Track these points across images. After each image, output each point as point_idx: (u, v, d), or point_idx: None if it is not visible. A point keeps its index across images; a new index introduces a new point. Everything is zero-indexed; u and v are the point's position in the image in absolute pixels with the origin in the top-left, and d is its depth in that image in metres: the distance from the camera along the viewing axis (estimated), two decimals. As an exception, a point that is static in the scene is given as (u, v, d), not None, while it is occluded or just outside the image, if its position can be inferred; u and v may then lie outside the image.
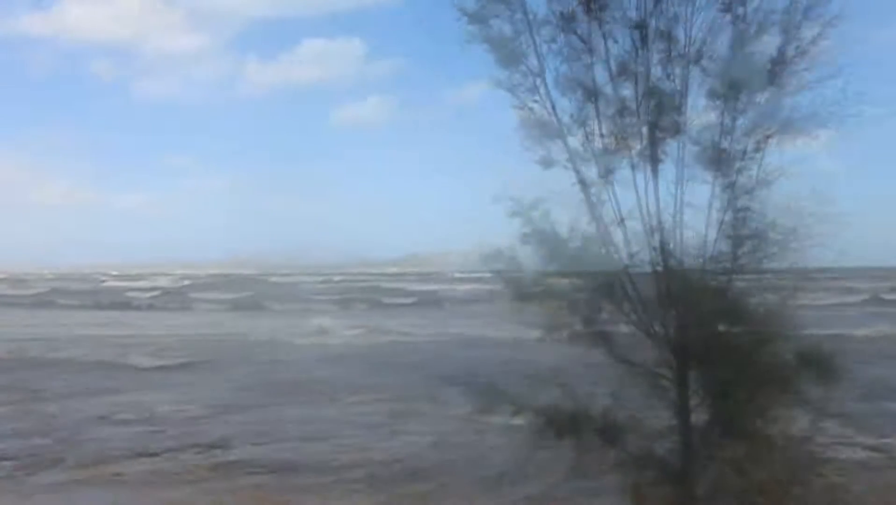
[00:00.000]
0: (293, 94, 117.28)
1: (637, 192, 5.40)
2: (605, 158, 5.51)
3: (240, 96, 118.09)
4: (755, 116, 5.37)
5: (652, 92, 5.39)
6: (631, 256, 5.45)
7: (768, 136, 5.30)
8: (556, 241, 5.53)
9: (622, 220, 5.49)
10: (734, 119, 5.31)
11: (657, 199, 5.35)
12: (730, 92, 5.30)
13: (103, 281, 68.35)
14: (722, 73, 5.32)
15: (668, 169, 5.47)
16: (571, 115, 5.52)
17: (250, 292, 50.31)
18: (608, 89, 5.47)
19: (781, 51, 5.23)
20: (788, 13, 5.20)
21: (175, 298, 49.81)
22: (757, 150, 5.34)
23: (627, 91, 5.45)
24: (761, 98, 5.33)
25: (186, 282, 63.28)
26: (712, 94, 5.36)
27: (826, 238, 4.86)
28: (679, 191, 5.32)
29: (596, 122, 5.52)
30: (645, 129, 5.40)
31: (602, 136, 5.50)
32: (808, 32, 5.13)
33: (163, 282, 63.77)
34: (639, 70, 5.39)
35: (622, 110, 5.45)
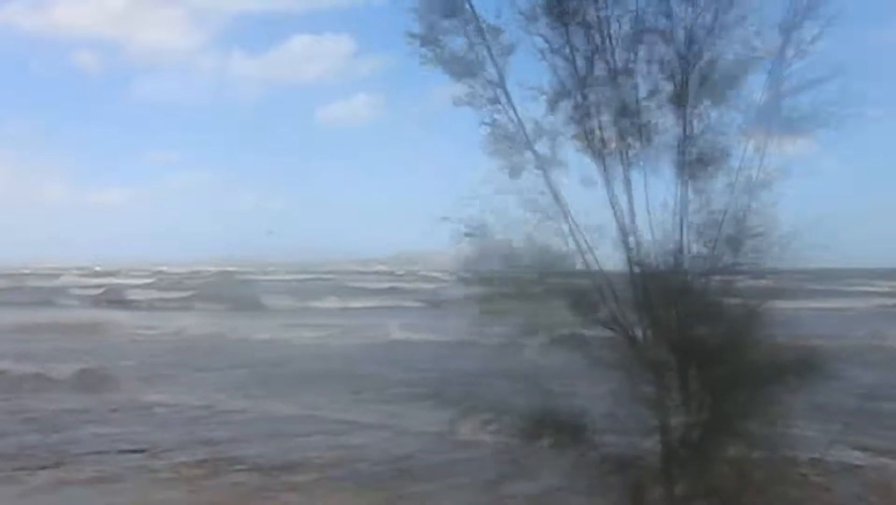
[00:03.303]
0: (281, 91, 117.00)
1: (611, 194, 5.59)
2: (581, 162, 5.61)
3: (227, 93, 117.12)
4: (750, 116, 5.50)
5: (651, 93, 5.49)
6: (611, 258, 5.63)
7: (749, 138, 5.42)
8: (534, 244, 5.61)
9: (630, 224, 5.56)
10: (701, 120, 5.50)
11: (630, 202, 5.56)
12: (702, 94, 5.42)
13: (59, 276, 67.18)
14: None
15: (661, 171, 5.58)
16: (538, 122, 5.67)
17: (192, 292, 49.68)
18: (575, 93, 5.63)
19: (781, 51, 5.36)
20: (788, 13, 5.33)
21: (112, 296, 48.84)
22: (744, 150, 5.47)
23: (595, 95, 5.61)
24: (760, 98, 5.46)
25: (146, 280, 62.19)
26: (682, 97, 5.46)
27: (825, 239, 4.98)
28: (679, 192, 5.45)
29: (567, 126, 5.70)
30: (615, 132, 5.60)
31: (573, 139, 5.68)
32: (808, 32, 5.26)
33: (124, 280, 62.77)
34: (606, 73, 5.56)
35: (587, 114, 5.62)
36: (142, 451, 10.07)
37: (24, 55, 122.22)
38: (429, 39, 5.66)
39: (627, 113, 5.52)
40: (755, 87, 5.47)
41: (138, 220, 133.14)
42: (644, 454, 5.66)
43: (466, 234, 5.59)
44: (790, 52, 5.34)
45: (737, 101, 5.51)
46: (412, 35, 5.66)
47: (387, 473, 8.93)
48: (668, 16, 5.44)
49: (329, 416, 12.52)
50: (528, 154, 5.64)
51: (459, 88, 5.67)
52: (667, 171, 5.55)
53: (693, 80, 5.44)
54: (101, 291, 51.99)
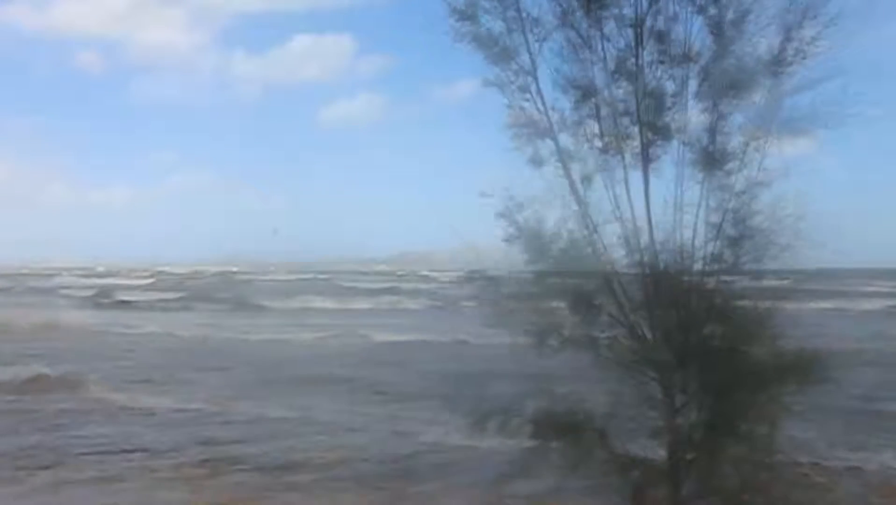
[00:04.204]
0: (282, 91, 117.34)
1: (628, 192, 5.58)
2: (600, 158, 5.60)
3: (228, 93, 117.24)
4: (753, 116, 5.51)
5: (648, 92, 5.49)
6: (618, 257, 5.65)
7: (757, 138, 5.44)
8: (540, 241, 5.61)
9: (621, 220, 5.56)
10: (723, 119, 5.51)
11: (647, 201, 5.54)
12: (725, 92, 5.42)
13: (59, 276, 67.47)
14: (717, 73, 5.43)
15: (663, 170, 5.60)
16: (563, 114, 5.67)
17: (192, 292, 49.77)
18: (604, 88, 5.63)
19: (781, 51, 5.37)
20: (788, 13, 5.34)
21: (112, 296, 48.85)
22: (746, 150, 5.47)
23: (622, 90, 5.62)
24: (760, 98, 5.47)
25: (147, 281, 62.27)
26: (705, 95, 5.47)
27: (824, 239, 5.01)
28: (678, 191, 5.47)
29: (589, 121, 5.70)
30: (638, 130, 5.58)
31: (596, 135, 5.68)
32: (808, 32, 5.28)
33: (125, 280, 62.95)
34: (635, 69, 5.56)
35: (616, 110, 5.62)
36: (143, 451, 10.12)
37: (25, 55, 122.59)
38: (468, 14, 5.62)
39: (649, 111, 5.51)
40: (756, 87, 5.52)
41: (139, 220, 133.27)
42: (647, 455, 5.69)
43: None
44: (790, 52, 5.40)
45: (748, 102, 5.54)
46: (452, 9, 5.60)
47: (387, 473, 8.96)
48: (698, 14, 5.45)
49: (329, 417, 12.55)
50: (550, 146, 5.63)
51: (468, 86, 5.69)
52: (673, 170, 5.57)
53: (717, 80, 5.45)
54: (101, 291, 52.12)
